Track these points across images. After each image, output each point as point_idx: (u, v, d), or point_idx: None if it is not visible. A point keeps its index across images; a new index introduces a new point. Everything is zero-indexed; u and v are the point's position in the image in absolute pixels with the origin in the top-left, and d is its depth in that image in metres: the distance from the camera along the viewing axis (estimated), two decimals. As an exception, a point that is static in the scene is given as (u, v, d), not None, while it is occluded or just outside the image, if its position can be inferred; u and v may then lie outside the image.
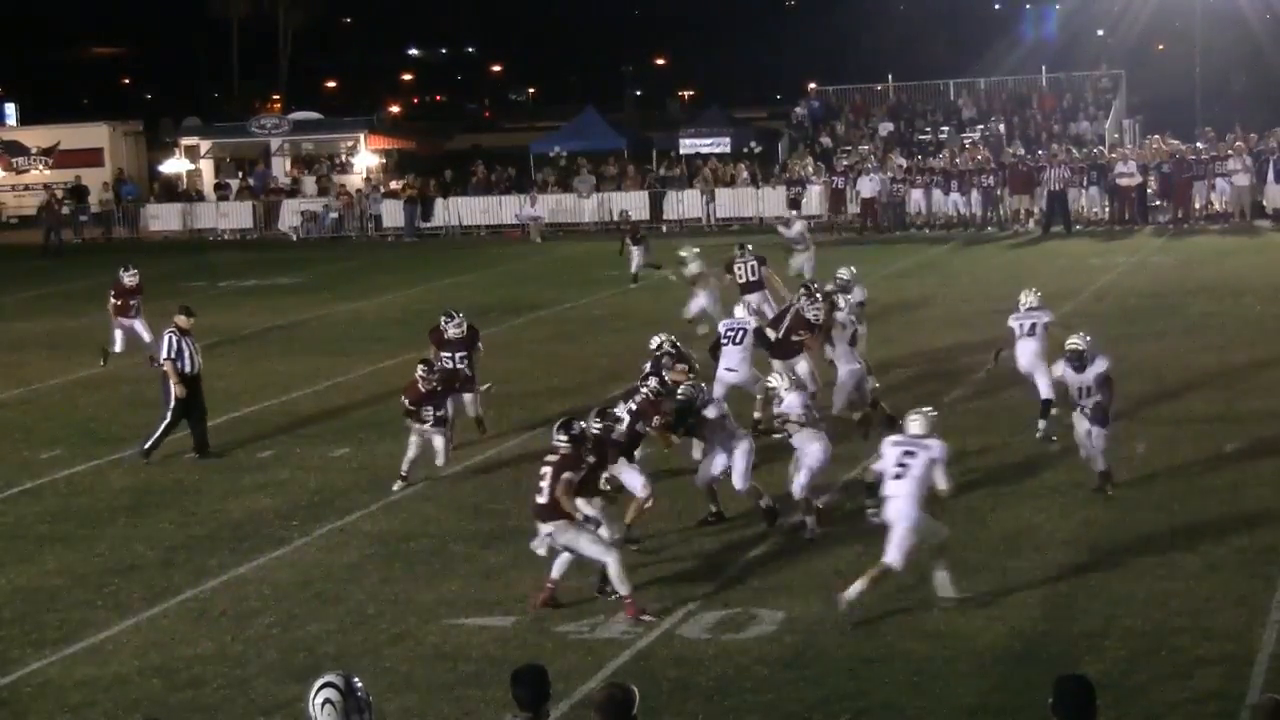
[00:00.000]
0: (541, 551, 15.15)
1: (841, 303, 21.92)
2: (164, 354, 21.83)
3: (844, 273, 23.35)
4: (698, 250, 30.32)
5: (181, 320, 22.09)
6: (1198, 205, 46.67)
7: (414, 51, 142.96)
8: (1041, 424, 20.13)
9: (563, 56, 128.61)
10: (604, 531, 15.05)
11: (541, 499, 14.73)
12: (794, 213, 42.91)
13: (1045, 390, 20.20)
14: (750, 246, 28.52)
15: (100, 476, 21.12)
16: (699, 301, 28.77)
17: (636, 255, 37.85)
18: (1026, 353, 20.52)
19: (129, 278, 29.21)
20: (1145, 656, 13.02)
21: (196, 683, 13.55)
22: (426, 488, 19.42)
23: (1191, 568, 15.17)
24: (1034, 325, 20.58)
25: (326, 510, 18.86)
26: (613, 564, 14.59)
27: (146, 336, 28.30)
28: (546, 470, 14.77)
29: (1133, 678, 12.56)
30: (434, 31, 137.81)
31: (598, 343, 29.52)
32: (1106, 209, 47.54)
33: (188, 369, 21.76)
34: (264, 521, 18.56)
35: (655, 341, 19.32)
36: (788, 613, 14.47)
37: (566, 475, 14.66)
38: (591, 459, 15.32)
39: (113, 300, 29.06)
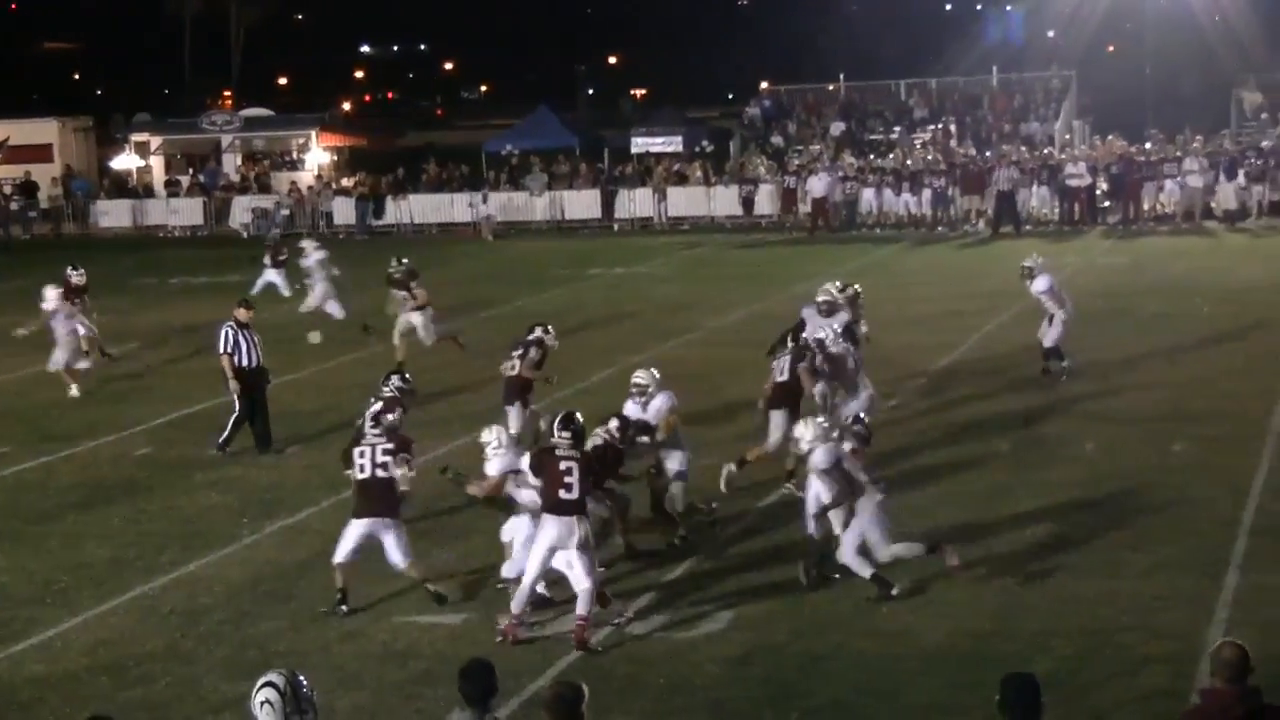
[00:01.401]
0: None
1: (826, 335, 19.65)
2: (220, 348, 21.65)
3: (831, 289, 21.43)
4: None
5: (240, 313, 21.88)
6: (1147, 206, 46.97)
7: (366, 48, 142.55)
8: (1065, 363, 24.13)
9: (516, 54, 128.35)
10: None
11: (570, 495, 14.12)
12: (312, 242, 34.14)
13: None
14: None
15: (50, 473, 21.03)
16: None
17: (272, 277, 34.16)
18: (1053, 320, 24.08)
19: (76, 277, 28.74)
20: (1093, 655, 13.12)
21: (146, 680, 13.51)
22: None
23: (1139, 566, 15.29)
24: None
25: (278, 508, 18.82)
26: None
27: (83, 330, 28.10)
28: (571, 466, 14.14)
29: (1080, 676, 12.65)
30: (386, 28, 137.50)
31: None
32: (1057, 209, 47.79)
33: (246, 362, 21.57)
34: (215, 519, 18.52)
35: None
36: (738, 611, 14.52)
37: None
38: None
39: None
